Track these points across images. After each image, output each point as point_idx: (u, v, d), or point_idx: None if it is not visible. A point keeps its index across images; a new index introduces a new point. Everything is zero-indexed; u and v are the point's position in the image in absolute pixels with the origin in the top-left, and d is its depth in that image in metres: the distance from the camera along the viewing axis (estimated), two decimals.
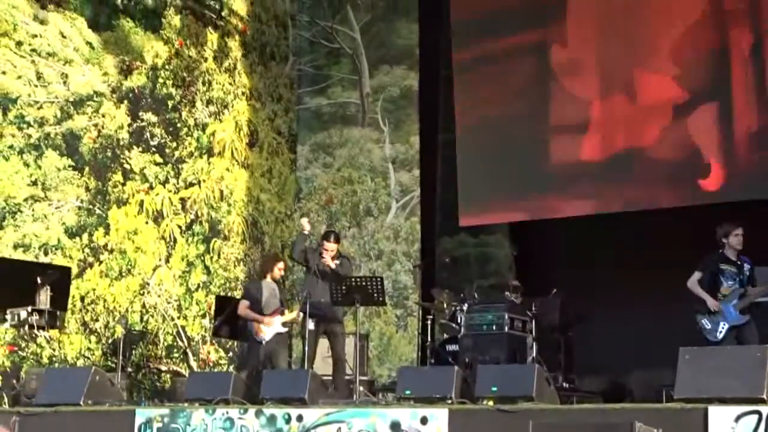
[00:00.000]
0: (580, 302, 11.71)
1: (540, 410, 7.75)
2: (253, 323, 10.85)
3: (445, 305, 11.80)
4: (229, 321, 11.83)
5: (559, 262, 12.70)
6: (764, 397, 7.01)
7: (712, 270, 9.74)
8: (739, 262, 9.74)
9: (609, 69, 12.90)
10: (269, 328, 10.81)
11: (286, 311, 11.00)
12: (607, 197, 12.78)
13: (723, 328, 9.54)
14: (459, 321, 11.24)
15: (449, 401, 8.23)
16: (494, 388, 8.15)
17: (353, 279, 10.38)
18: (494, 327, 10.90)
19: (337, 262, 10.79)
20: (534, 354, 11.01)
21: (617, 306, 11.93)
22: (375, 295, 10.11)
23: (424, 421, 7.92)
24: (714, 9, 12.32)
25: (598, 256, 12.33)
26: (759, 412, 6.83)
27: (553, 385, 8.61)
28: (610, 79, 12.89)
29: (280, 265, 11.31)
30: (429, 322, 12.18)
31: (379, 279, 10.23)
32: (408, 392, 8.52)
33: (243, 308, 10.98)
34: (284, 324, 10.93)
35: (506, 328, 10.86)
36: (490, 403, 8.06)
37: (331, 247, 10.83)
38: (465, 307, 11.26)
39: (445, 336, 11.93)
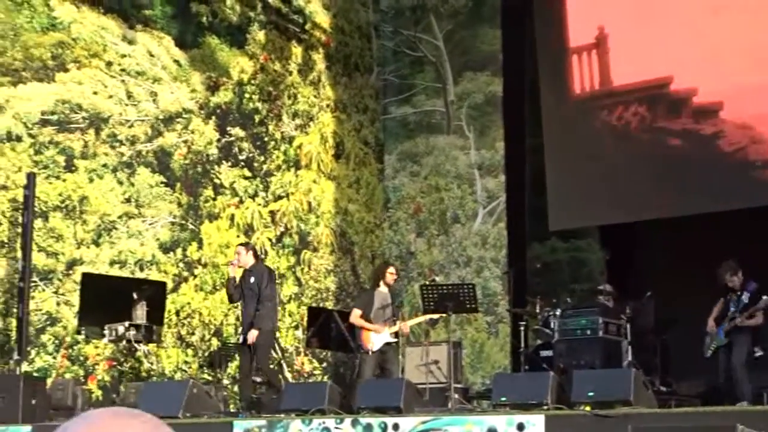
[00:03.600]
0: (675, 304, 11.52)
1: (638, 414, 7.67)
2: (361, 333, 10.82)
3: (537, 311, 11.73)
4: (321, 331, 11.89)
5: (652, 264, 12.53)
6: None
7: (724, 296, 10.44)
8: (739, 292, 10.23)
9: None
10: (378, 337, 10.75)
11: (398, 321, 10.87)
12: (698, 197, 12.56)
13: (712, 346, 10.26)
14: (552, 326, 11.17)
15: (545, 407, 8.17)
16: (591, 393, 8.09)
17: (444, 287, 10.36)
18: (588, 331, 10.81)
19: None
20: (629, 358, 10.88)
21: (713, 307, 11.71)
22: (467, 302, 10.08)
23: (520, 427, 7.88)
24: None
25: (692, 256, 12.11)
26: None
27: (650, 388, 8.50)
28: None
29: (391, 270, 11.23)
30: (522, 328, 12.10)
31: (470, 286, 10.21)
32: (504, 399, 8.49)
33: (354, 317, 10.98)
34: (392, 334, 10.85)
35: (600, 333, 10.76)
36: (587, 408, 7.99)
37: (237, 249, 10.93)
38: (558, 312, 11.18)
39: (539, 342, 11.85)
